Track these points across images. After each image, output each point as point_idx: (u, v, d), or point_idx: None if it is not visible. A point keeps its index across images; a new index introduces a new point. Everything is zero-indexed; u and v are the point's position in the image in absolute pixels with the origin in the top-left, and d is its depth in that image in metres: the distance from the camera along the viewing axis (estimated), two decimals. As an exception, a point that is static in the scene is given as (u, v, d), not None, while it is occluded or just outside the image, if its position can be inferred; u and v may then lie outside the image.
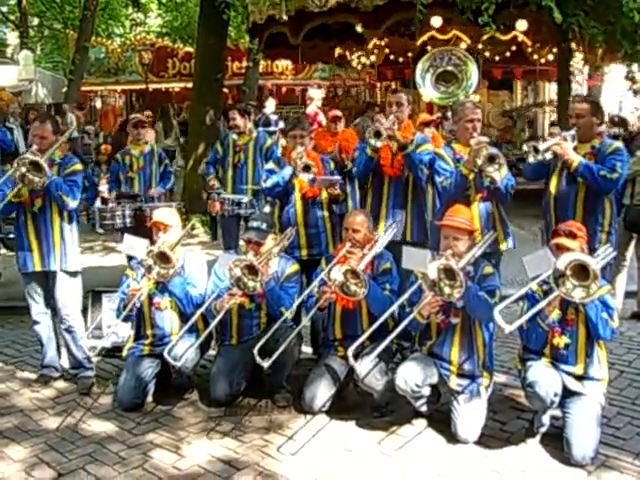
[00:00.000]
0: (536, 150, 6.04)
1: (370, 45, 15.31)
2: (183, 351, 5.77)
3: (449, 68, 8.48)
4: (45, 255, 6.34)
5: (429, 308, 5.20)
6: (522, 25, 12.35)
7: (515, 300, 5.09)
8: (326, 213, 6.90)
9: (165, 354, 5.66)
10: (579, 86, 21.39)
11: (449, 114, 8.84)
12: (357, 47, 16.25)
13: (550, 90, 18.34)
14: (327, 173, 6.94)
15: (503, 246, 6.44)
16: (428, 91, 8.30)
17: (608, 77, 24.01)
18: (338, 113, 9.23)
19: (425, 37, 13.57)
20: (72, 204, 6.33)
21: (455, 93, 8.33)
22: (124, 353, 6.29)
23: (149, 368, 6.03)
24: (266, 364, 5.41)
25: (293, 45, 14.19)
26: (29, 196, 6.23)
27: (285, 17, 12.47)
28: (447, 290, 5.06)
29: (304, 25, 13.40)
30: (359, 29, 13.17)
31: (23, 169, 5.95)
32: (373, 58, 16.45)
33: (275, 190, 6.89)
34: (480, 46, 13.46)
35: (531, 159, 6.13)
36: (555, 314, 5.05)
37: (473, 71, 8.24)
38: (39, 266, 6.35)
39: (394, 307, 5.36)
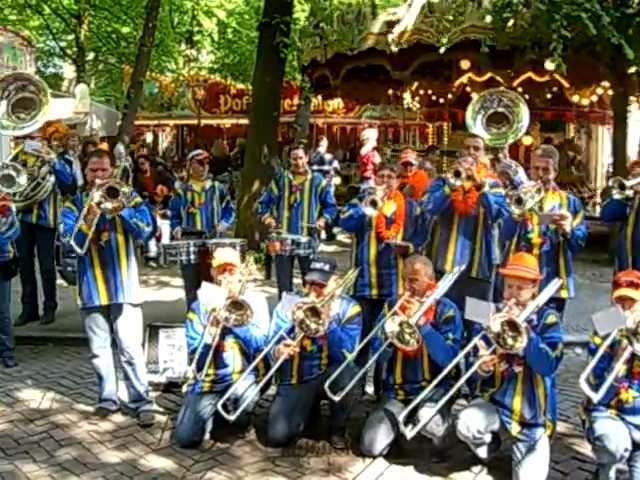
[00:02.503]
0: (622, 186, 6.04)
1: (413, 87, 15.41)
2: (243, 391, 5.85)
3: (500, 109, 8.45)
4: (113, 288, 6.40)
5: (486, 366, 5.20)
6: (550, 65, 12.39)
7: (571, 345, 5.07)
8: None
9: (219, 407, 5.73)
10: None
11: (501, 155, 8.84)
12: (400, 88, 16.32)
13: (604, 133, 18.21)
14: (412, 218, 7.01)
15: (564, 293, 6.45)
16: (479, 132, 8.29)
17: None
18: (411, 159, 9.27)
19: (463, 79, 13.66)
20: (147, 229, 6.51)
21: (506, 135, 8.31)
22: (184, 389, 6.31)
23: (208, 406, 6.03)
24: (337, 398, 5.48)
25: (334, 86, 14.37)
26: (95, 230, 6.27)
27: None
28: (510, 342, 5.04)
29: (342, 67, 13.75)
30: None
31: (97, 196, 6.06)
32: (417, 99, 16.54)
33: (349, 223, 7.05)
34: (520, 89, 13.50)
35: (616, 195, 6.14)
36: (622, 369, 4.99)
37: (524, 113, 8.20)
38: (106, 299, 6.40)
39: (457, 359, 5.35)
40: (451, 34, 11.72)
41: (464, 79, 13.88)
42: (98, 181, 6.21)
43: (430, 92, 15.93)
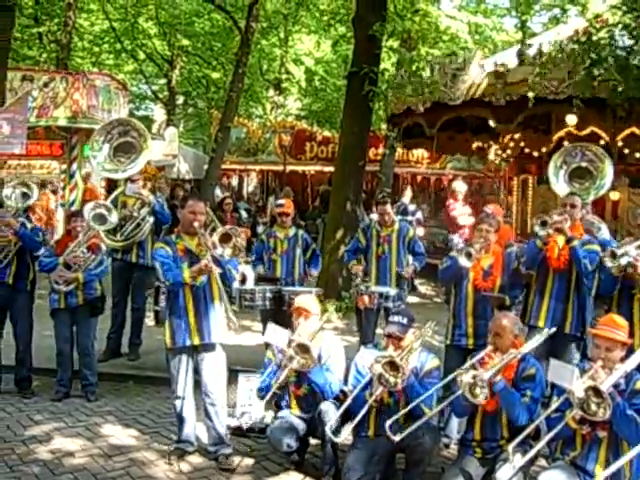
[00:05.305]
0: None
1: (505, 139, 15.24)
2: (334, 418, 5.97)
3: (583, 164, 8.38)
4: (205, 329, 6.50)
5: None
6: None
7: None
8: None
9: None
10: None
11: (583, 211, 8.85)
12: (492, 140, 16.20)
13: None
14: (508, 270, 7.15)
15: None
16: (562, 187, 8.23)
17: None
18: (488, 211, 9.31)
19: (561, 133, 13.45)
20: (237, 275, 6.76)
21: (589, 190, 8.24)
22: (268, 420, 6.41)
23: (301, 423, 6.32)
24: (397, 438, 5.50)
25: (428, 136, 14.31)
26: None
27: (422, 108, 12.58)
28: (594, 408, 4.92)
29: (440, 117, 13.56)
30: (492, 123, 13.14)
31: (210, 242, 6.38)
32: (509, 152, 16.37)
33: (446, 274, 7.25)
34: (620, 143, 13.26)
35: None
36: None
37: (608, 170, 8.13)
38: (198, 340, 6.50)
39: (538, 421, 5.29)
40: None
41: (562, 133, 13.63)
42: (196, 224, 6.46)
43: (522, 144, 15.71)
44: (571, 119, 12.27)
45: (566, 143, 12.81)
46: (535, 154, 15.70)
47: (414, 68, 13.80)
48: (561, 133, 13.70)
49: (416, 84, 13.04)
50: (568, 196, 7.50)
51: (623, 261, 6.38)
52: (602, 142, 13.33)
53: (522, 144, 15.69)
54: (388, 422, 5.60)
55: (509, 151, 16.60)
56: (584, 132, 13.10)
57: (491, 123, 13.26)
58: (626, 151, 14.26)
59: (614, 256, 6.42)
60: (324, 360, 6.33)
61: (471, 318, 7.06)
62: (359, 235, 9.43)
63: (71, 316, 8.38)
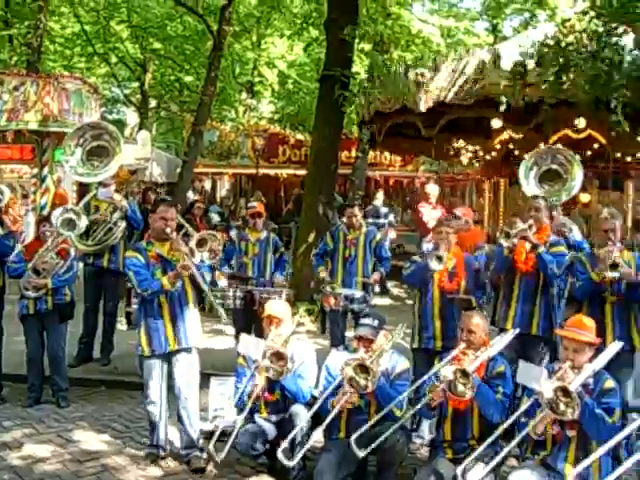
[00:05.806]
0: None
1: (496, 141, 15.21)
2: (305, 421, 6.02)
3: (553, 166, 8.47)
4: (181, 333, 6.49)
5: (542, 427, 5.15)
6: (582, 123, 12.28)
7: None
8: None
9: (280, 454, 5.76)
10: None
11: (554, 213, 8.92)
12: (481, 141, 16.13)
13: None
14: (471, 272, 7.22)
15: (637, 341, 6.66)
16: (531, 189, 8.32)
17: None
18: (458, 213, 9.36)
19: (558, 135, 13.45)
20: (209, 278, 6.68)
21: (559, 192, 8.33)
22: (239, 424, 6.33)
23: (267, 423, 6.32)
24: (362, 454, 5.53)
25: (426, 137, 14.15)
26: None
27: (422, 108, 12.42)
28: (562, 407, 4.98)
29: (441, 117, 13.31)
30: (498, 124, 13.04)
31: (186, 248, 6.35)
32: (494, 154, 16.35)
33: (412, 278, 7.29)
34: (613, 147, 13.38)
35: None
36: None
37: (578, 173, 8.23)
38: (174, 345, 6.48)
39: (508, 422, 5.32)
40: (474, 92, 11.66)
41: (559, 135, 13.61)
42: (167, 230, 6.45)
43: (512, 146, 15.67)
44: (580, 122, 12.37)
45: (560, 146, 12.86)
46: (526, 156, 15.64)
47: (385, 71, 13.76)
48: (558, 135, 13.72)
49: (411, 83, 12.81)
50: (532, 200, 7.55)
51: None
52: (596, 145, 13.48)
53: (511, 146, 15.71)
54: (353, 437, 5.64)
55: (494, 153, 16.59)
56: (582, 135, 13.16)
57: (495, 124, 13.17)
58: (618, 155, 14.43)
59: (616, 266, 6.47)
60: (296, 366, 6.34)
61: (438, 320, 7.10)
62: (327, 238, 9.43)
63: (41, 322, 8.33)
